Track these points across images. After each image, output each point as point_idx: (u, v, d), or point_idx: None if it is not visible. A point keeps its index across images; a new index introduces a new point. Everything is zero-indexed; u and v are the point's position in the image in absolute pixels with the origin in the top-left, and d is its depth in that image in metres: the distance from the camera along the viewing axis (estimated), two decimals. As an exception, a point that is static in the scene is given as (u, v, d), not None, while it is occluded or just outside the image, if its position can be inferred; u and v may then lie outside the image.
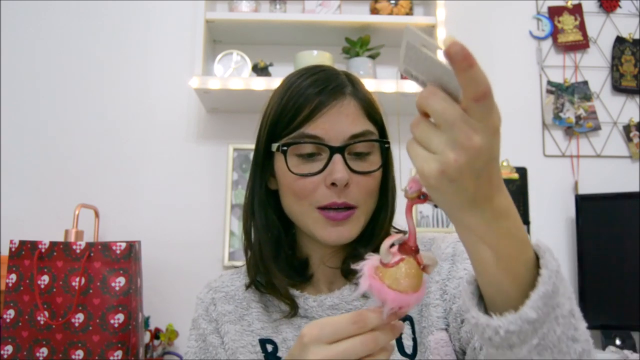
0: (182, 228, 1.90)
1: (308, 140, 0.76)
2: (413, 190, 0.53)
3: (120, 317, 1.41)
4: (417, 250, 0.55)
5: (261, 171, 0.83)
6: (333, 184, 0.75)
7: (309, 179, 0.76)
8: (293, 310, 0.80)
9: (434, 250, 0.81)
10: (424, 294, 0.54)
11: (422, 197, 0.53)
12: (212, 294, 0.88)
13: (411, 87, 1.76)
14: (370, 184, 0.78)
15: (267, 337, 0.81)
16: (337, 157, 0.75)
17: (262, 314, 0.84)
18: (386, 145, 0.80)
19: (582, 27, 2.07)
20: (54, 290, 1.43)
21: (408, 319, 0.77)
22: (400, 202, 0.81)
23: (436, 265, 0.55)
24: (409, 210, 0.55)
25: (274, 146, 0.79)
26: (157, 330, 1.76)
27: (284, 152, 0.77)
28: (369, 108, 0.80)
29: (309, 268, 0.84)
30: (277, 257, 0.82)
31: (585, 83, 2.04)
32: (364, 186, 0.77)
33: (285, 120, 0.78)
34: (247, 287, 0.86)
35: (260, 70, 1.87)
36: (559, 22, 2.07)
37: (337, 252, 0.82)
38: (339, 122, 0.76)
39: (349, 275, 0.80)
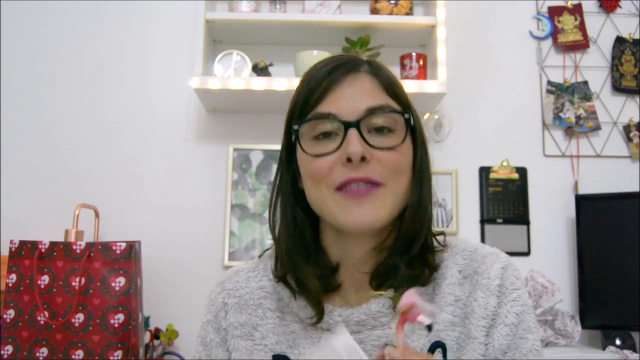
0: (182, 228, 1.90)
1: (319, 116, 0.71)
2: (403, 304, 0.54)
3: (120, 317, 1.41)
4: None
5: (286, 168, 0.78)
6: (349, 159, 0.69)
7: (325, 158, 0.71)
8: (318, 316, 0.74)
9: (481, 273, 0.75)
10: None
11: (411, 315, 0.54)
12: (225, 297, 0.82)
13: (412, 87, 1.76)
14: (396, 160, 0.71)
15: (282, 352, 0.75)
16: (352, 132, 0.69)
17: (278, 325, 0.77)
18: (406, 117, 0.72)
19: (582, 27, 2.07)
20: (54, 290, 1.43)
21: (440, 345, 0.72)
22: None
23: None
24: (400, 324, 0.56)
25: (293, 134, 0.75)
26: (157, 330, 1.76)
27: (296, 133, 0.73)
28: (389, 84, 0.74)
29: (337, 276, 0.77)
30: (305, 256, 0.76)
31: (585, 83, 2.04)
32: (389, 163, 0.71)
33: (299, 105, 0.74)
34: (278, 280, 0.79)
35: (260, 70, 1.87)
36: (559, 22, 2.07)
37: (370, 257, 0.75)
38: (353, 95, 0.71)
39: (377, 284, 0.74)
